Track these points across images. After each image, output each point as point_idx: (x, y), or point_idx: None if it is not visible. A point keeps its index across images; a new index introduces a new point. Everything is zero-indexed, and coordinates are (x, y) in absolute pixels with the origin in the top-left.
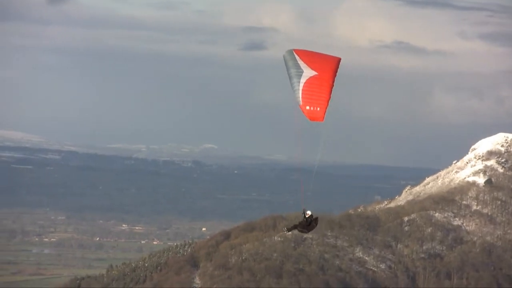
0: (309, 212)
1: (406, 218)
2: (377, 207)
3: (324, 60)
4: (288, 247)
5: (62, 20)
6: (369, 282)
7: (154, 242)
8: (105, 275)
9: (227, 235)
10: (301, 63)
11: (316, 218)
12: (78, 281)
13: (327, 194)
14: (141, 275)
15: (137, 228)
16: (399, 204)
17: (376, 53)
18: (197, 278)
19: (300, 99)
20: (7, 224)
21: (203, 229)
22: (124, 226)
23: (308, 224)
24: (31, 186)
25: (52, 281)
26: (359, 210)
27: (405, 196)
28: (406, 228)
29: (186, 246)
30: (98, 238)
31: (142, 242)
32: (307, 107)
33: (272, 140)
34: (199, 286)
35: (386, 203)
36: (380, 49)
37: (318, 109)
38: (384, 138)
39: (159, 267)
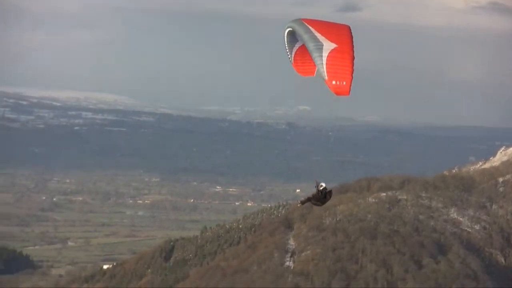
0: (323, 184)
1: (501, 179)
2: (471, 168)
3: (338, 31)
4: (383, 209)
5: None
6: (464, 243)
7: (248, 204)
8: (199, 236)
9: None
10: (318, 35)
11: (330, 191)
12: (172, 243)
13: (422, 155)
14: (235, 236)
15: (231, 190)
16: (493, 165)
17: (471, 14)
18: (291, 239)
19: (325, 73)
20: (101, 186)
21: (297, 190)
22: (218, 188)
23: (324, 197)
24: (125, 148)
25: (146, 243)
26: (454, 171)
27: (499, 157)
28: (501, 189)
29: (280, 208)
30: (192, 200)
31: (236, 203)
32: (333, 82)
33: (367, 102)
34: (293, 247)
35: (480, 164)
36: (475, 10)
37: (344, 83)
38: (478, 100)
39: (253, 229)
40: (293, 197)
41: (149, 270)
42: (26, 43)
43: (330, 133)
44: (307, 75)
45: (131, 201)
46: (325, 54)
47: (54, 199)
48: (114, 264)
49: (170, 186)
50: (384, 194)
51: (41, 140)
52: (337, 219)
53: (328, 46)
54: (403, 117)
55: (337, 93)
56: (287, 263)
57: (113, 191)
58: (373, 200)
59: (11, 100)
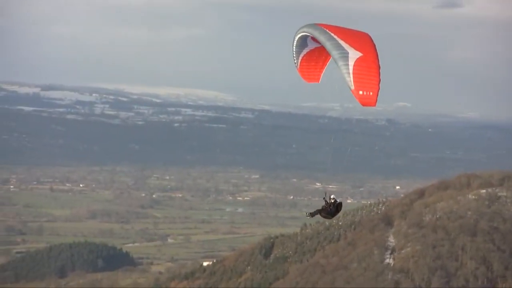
0: (333, 197)
1: None
2: None
3: (361, 39)
4: (482, 205)
5: None
6: None
7: (348, 201)
8: (298, 233)
9: (421, 194)
10: (342, 42)
11: (340, 203)
12: (271, 240)
13: None
14: (335, 233)
15: (330, 186)
16: None
17: None
18: (391, 236)
19: (352, 83)
20: (201, 183)
21: (397, 187)
22: (318, 185)
23: (335, 210)
24: (225, 145)
25: (245, 239)
26: None
27: None
28: None
29: (380, 205)
30: (291, 197)
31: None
32: (360, 92)
33: (466, 98)
34: (393, 244)
35: None
36: None
37: (371, 93)
38: None
39: (353, 226)
40: (393, 194)
41: (248, 267)
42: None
43: (429, 130)
44: (312, 82)
45: (230, 198)
46: (351, 63)
47: (154, 196)
48: (214, 261)
49: (269, 183)
50: (484, 191)
51: (140, 137)
52: (437, 216)
53: (354, 54)
54: (503, 113)
55: (364, 104)
56: (387, 260)
57: (213, 188)
58: (473, 197)
59: (111, 97)
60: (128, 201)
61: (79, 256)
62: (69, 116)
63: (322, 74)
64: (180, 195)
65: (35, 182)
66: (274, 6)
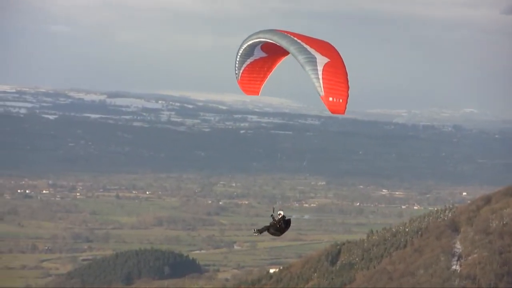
0: (281, 213)
1: None
2: None
3: (325, 45)
4: None
5: None
6: None
7: (415, 207)
8: (365, 240)
9: (488, 200)
10: (307, 47)
11: (289, 220)
12: (338, 246)
13: None
14: (402, 240)
15: (397, 193)
16: None
17: None
18: (458, 242)
19: (322, 89)
20: (267, 190)
21: (464, 193)
22: (384, 191)
23: (285, 226)
24: (291, 151)
25: (312, 246)
26: None
27: None
28: None
29: (447, 211)
30: (358, 203)
31: (402, 207)
32: (330, 99)
33: None
34: (460, 250)
35: None
36: None
37: (341, 100)
38: None
39: (419, 232)
40: (460, 200)
41: (315, 274)
42: (194, 48)
43: (496, 136)
44: (252, 94)
45: (297, 204)
46: (319, 68)
47: (220, 202)
48: (281, 268)
49: (336, 190)
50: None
51: (207, 144)
52: (504, 222)
53: (321, 60)
54: None
55: (333, 111)
56: (454, 267)
57: (279, 194)
58: None
59: (177, 104)
60: (194, 208)
61: (145, 263)
62: (135, 123)
63: (262, 87)
64: (246, 202)
65: (101, 190)
66: (340, 13)
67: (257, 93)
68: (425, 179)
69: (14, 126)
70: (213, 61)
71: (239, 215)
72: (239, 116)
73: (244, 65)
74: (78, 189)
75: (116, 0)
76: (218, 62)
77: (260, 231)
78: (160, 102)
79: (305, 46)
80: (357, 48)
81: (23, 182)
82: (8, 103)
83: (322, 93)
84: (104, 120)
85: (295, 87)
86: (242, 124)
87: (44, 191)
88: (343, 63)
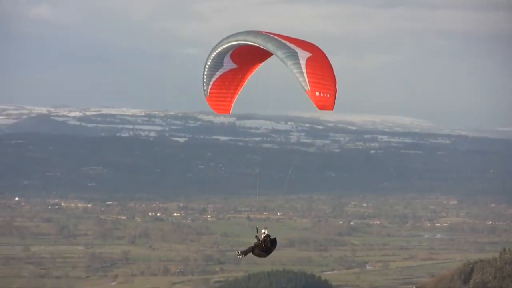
0: (266, 232)
1: None
2: None
3: (306, 42)
4: None
5: (451, 4)
6: None
7: None
8: (498, 258)
9: None
10: (286, 42)
11: (275, 239)
12: (471, 265)
13: None
14: None
15: None
16: None
17: None
18: None
19: (307, 83)
20: (398, 210)
21: None
22: None
23: (271, 246)
24: (422, 171)
25: (444, 265)
26: None
27: None
28: None
29: None
30: (490, 222)
31: None
32: (317, 93)
33: None
34: None
35: None
36: None
37: (328, 95)
38: None
39: None
40: None
41: None
42: None
43: None
44: (222, 113)
45: (428, 224)
46: (302, 61)
47: (352, 223)
48: (414, 287)
49: (468, 208)
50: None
51: (337, 164)
52: None
53: (303, 54)
54: None
55: (321, 107)
56: None
57: (410, 214)
58: None
59: (306, 125)
60: (325, 229)
61: (277, 285)
62: (265, 145)
63: (233, 104)
64: (377, 222)
65: (232, 211)
66: (469, 32)
67: (227, 111)
68: None
69: (144, 149)
70: (343, 82)
71: (370, 235)
72: (369, 136)
73: (213, 79)
74: (209, 211)
75: (246, 24)
76: (347, 83)
77: (244, 253)
78: (289, 123)
79: (284, 42)
80: (483, 67)
81: (154, 205)
82: (137, 127)
83: (308, 88)
84: (233, 142)
85: (425, 106)
86: (372, 144)
87: (175, 214)
88: (327, 58)
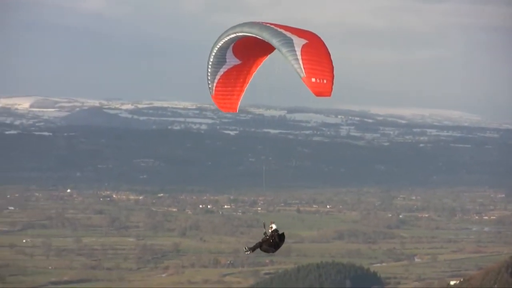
0: (273, 226)
1: None
2: None
3: (304, 30)
4: None
5: None
6: None
7: None
8: None
9: None
10: (282, 31)
11: (283, 234)
12: None
13: None
14: None
15: None
16: None
17: None
18: None
19: (303, 69)
20: (447, 203)
21: None
22: None
23: (279, 240)
24: (470, 165)
25: (492, 258)
26: None
27: None
28: None
29: None
30: None
31: None
32: (313, 79)
33: None
34: None
35: None
36: None
37: (325, 81)
38: None
39: None
40: None
41: (495, 286)
42: (373, 63)
43: None
44: (229, 111)
45: (477, 217)
46: (297, 48)
47: (400, 216)
48: (461, 279)
49: None
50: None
51: (386, 158)
52: None
53: (299, 41)
54: None
55: (317, 94)
56: None
57: (459, 207)
58: None
59: (356, 119)
60: (374, 222)
61: (327, 276)
62: (315, 138)
63: (239, 102)
64: (426, 215)
65: (282, 204)
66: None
67: (234, 109)
68: None
69: (195, 142)
70: (392, 76)
71: (419, 228)
72: (418, 130)
73: (217, 77)
74: (259, 204)
75: (296, 18)
76: (396, 77)
77: (252, 249)
78: (339, 117)
79: (280, 30)
80: None
81: (205, 198)
82: (189, 120)
83: (303, 74)
84: (284, 135)
85: (474, 100)
86: (421, 138)
87: (225, 206)
88: (325, 45)
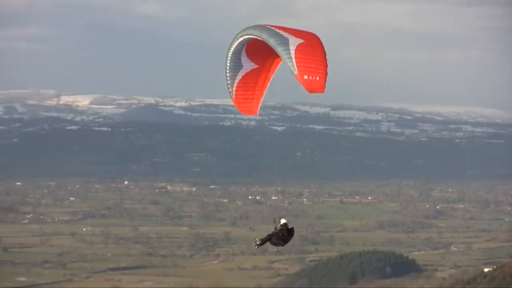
0: (283, 221)
1: None
2: None
3: (303, 31)
4: None
5: None
6: None
7: None
8: None
9: None
10: (280, 31)
11: (292, 229)
12: None
13: None
14: None
15: None
16: None
17: None
18: None
19: (295, 67)
20: (481, 195)
21: None
22: None
23: (288, 235)
24: (503, 159)
25: None
26: None
27: None
28: None
29: None
30: None
31: None
32: (305, 77)
33: None
34: None
35: None
36: None
37: (318, 78)
38: None
39: None
40: None
41: None
42: (411, 63)
43: None
44: (249, 114)
45: (509, 208)
46: (292, 47)
47: (437, 207)
48: (494, 267)
49: None
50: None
51: (424, 153)
52: None
53: (295, 41)
54: None
55: (310, 90)
56: None
57: (492, 199)
58: None
59: (396, 115)
60: (413, 212)
61: (368, 264)
62: (357, 134)
63: (259, 105)
64: (461, 206)
65: (326, 195)
66: None
67: (255, 112)
68: None
69: (245, 137)
70: (428, 75)
71: (455, 218)
72: (454, 126)
73: (236, 81)
74: (305, 195)
75: (338, 20)
76: (432, 76)
77: (263, 241)
78: (380, 114)
79: (278, 31)
80: None
81: (254, 189)
82: (239, 116)
83: (296, 72)
84: (328, 131)
85: (507, 98)
86: (457, 134)
87: (273, 197)
88: (322, 45)
